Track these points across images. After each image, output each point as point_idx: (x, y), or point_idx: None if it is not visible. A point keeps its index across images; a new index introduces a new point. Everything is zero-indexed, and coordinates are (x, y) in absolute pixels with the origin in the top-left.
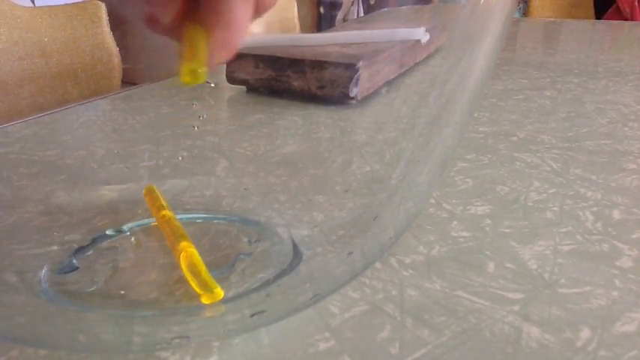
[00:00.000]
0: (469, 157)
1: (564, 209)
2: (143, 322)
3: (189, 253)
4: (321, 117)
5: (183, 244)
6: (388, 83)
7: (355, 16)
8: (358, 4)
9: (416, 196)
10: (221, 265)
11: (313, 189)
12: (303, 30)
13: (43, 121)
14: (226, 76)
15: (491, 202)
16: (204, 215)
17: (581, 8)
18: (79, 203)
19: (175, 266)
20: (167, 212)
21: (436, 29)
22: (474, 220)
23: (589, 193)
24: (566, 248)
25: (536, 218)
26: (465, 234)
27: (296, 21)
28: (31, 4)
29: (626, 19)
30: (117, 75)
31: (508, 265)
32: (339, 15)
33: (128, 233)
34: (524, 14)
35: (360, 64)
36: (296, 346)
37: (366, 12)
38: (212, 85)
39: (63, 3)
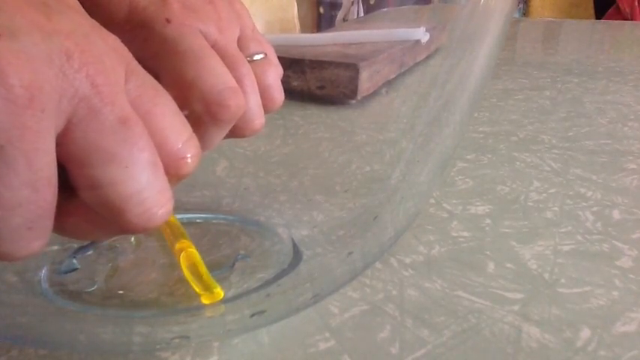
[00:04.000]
0: (469, 157)
1: (564, 209)
2: (143, 322)
3: (189, 253)
4: (321, 117)
5: (183, 243)
6: (388, 83)
7: (355, 16)
8: (358, 4)
9: (416, 196)
10: (221, 265)
11: (313, 189)
12: (303, 30)
13: None
14: None
15: (491, 202)
16: (204, 215)
17: (581, 8)
18: None
19: (175, 266)
20: None
21: (436, 29)
22: (474, 220)
23: (589, 193)
24: (566, 248)
25: (536, 218)
26: (465, 234)
27: (296, 21)
28: None
29: (626, 19)
30: None
31: (508, 265)
32: (339, 15)
33: None
34: (524, 14)
35: (360, 64)
36: (296, 346)
37: (366, 12)
38: None
39: None
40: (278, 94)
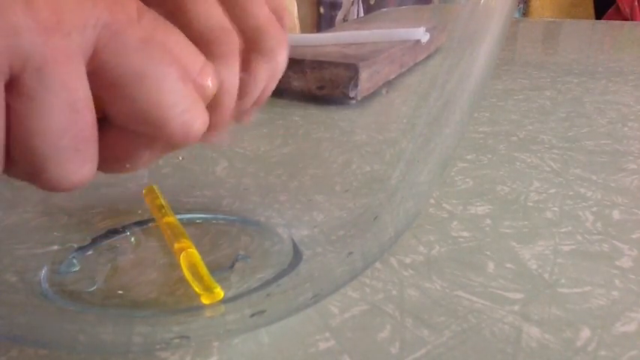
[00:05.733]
0: (469, 157)
1: (564, 209)
2: (143, 322)
3: (189, 252)
4: (321, 117)
5: (183, 243)
6: (388, 83)
7: (355, 16)
8: (358, 4)
9: (416, 196)
10: (221, 265)
11: (313, 189)
12: (303, 30)
13: None
14: None
15: (491, 202)
16: (204, 215)
17: (581, 8)
18: (79, 203)
19: (175, 266)
20: (167, 212)
21: (436, 29)
22: (474, 220)
23: (589, 193)
24: (566, 248)
25: (536, 218)
26: (465, 234)
27: (296, 21)
28: None
29: (626, 19)
30: None
31: (508, 265)
32: (339, 15)
33: (128, 233)
34: (524, 14)
35: (360, 64)
36: (296, 346)
37: (366, 12)
38: None
39: None
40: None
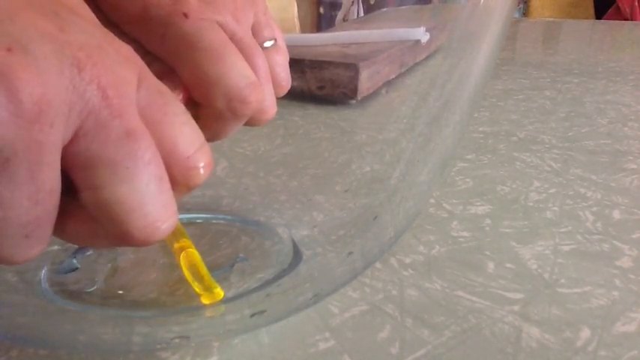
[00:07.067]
0: (469, 157)
1: (564, 209)
2: (143, 322)
3: (189, 252)
4: (321, 117)
5: (183, 243)
6: (388, 83)
7: (355, 16)
8: (358, 4)
9: (416, 196)
10: (221, 265)
11: (313, 189)
12: (303, 30)
13: None
14: None
15: (491, 202)
16: (204, 215)
17: (581, 8)
18: None
19: (175, 266)
20: None
21: (436, 29)
22: (474, 220)
23: (589, 193)
24: (566, 248)
25: (536, 218)
26: (465, 234)
27: (296, 21)
28: None
29: (626, 19)
30: None
31: (508, 265)
32: (339, 15)
33: None
34: (524, 14)
35: (360, 64)
36: (296, 346)
37: (366, 12)
38: None
39: None
40: (285, 83)
